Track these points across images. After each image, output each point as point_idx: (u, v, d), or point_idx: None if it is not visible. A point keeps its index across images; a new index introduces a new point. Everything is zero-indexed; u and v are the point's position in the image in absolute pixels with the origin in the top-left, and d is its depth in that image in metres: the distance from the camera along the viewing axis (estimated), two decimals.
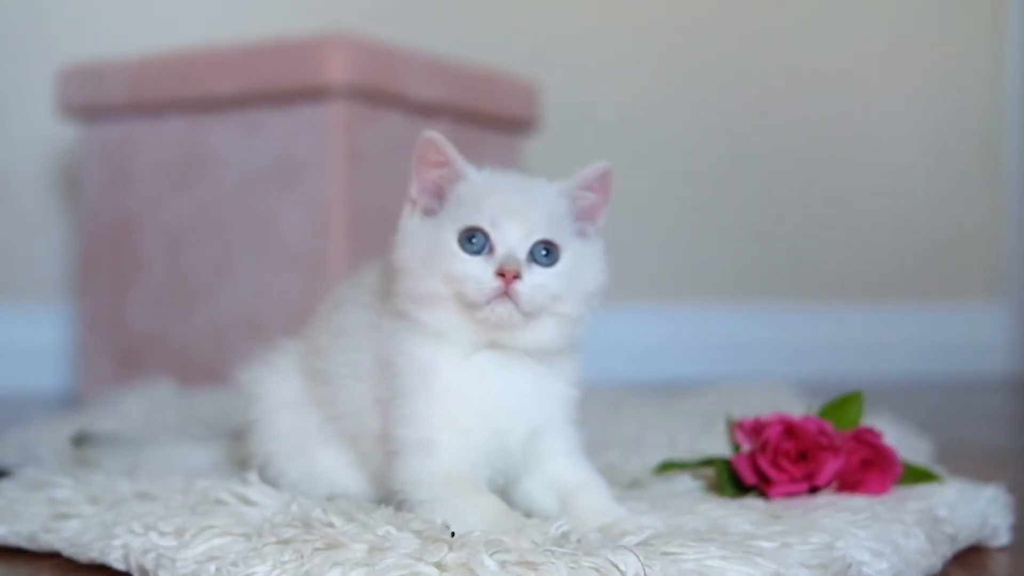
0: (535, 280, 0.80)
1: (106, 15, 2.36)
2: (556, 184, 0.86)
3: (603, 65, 2.67)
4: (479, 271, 0.80)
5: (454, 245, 0.81)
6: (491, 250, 0.80)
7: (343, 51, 1.80)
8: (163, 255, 2.01)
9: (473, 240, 0.81)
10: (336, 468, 0.92)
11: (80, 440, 1.09)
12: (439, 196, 0.84)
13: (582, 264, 0.83)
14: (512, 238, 0.81)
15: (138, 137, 2.03)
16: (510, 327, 0.81)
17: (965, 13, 2.99)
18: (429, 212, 0.84)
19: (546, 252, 0.82)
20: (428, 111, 1.97)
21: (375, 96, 1.87)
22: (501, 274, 0.79)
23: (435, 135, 0.83)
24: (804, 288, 2.84)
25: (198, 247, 1.97)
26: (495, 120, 2.12)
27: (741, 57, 2.79)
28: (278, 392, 0.95)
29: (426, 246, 0.82)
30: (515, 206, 0.82)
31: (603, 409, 1.55)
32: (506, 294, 0.79)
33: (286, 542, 0.73)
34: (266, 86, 1.87)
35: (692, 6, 2.75)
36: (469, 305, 0.80)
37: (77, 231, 2.20)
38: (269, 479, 0.91)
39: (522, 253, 0.81)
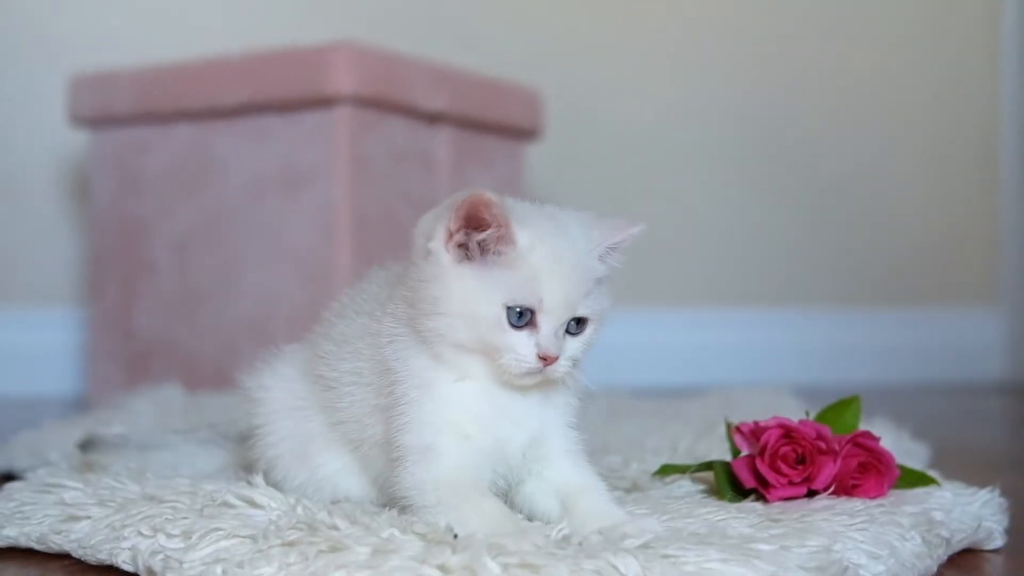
0: (567, 353, 0.83)
1: (116, 25, 2.37)
2: (594, 239, 0.84)
3: (606, 73, 2.68)
4: (523, 349, 0.81)
5: (502, 317, 0.81)
6: (534, 324, 0.81)
7: (348, 60, 1.81)
8: (171, 260, 2.02)
9: (520, 315, 0.81)
10: (339, 472, 0.93)
11: (87, 445, 1.10)
12: (480, 245, 0.82)
13: (602, 316, 0.85)
14: (561, 318, 0.82)
15: (147, 144, 2.05)
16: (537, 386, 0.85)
17: (963, 22, 3.00)
18: (464, 253, 0.82)
19: (577, 322, 0.84)
20: (432, 119, 1.99)
21: (380, 104, 1.88)
22: (542, 357, 0.81)
23: (488, 196, 0.80)
24: (803, 294, 2.85)
25: (205, 253, 1.99)
26: (499, 128, 2.13)
27: (743, 66, 2.80)
28: (282, 398, 0.96)
29: (464, 299, 0.81)
30: (566, 290, 0.81)
31: (604, 413, 1.56)
32: (542, 372, 0.82)
33: (291, 544, 0.74)
34: (272, 94, 1.89)
35: (696, 14, 2.76)
36: (501, 368, 0.82)
37: (86, 237, 2.22)
38: (273, 483, 0.92)
39: (562, 331, 0.82)
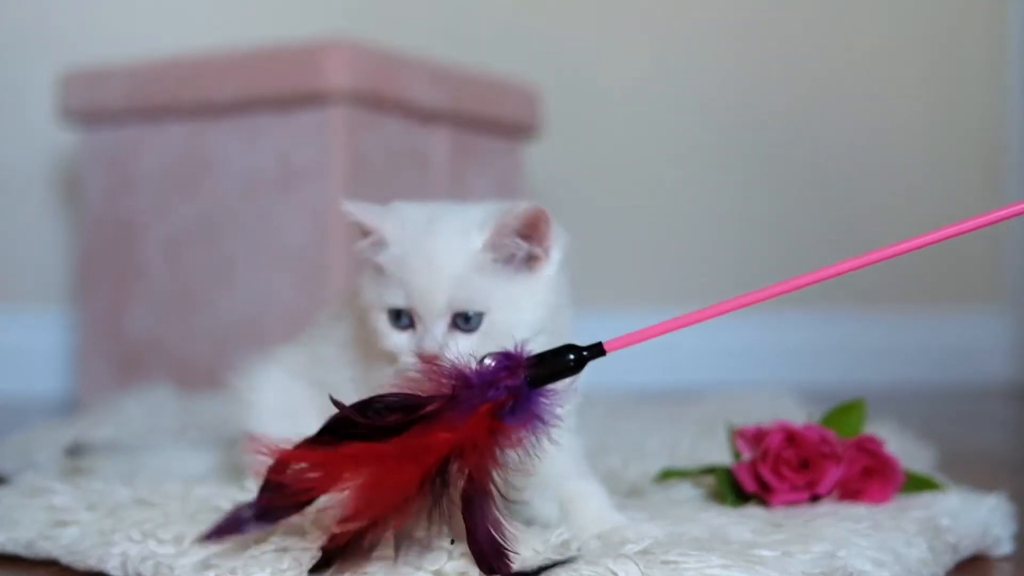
0: (462, 351, 0.80)
1: (107, 20, 2.36)
2: (480, 234, 0.81)
3: (605, 70, 2.68)
4: (405, 348, 0.82)
5: (386, 321, 0.83)
6: (415, 325, 0.82)
7: (344, 57, 1.80)
8: (163, 260, 2.01)
9: (400, 318, 0.83)
10: None
11: (74, 450, 1.09)
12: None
13: (514, 308, 0.82)
14: (428, 316, 0.81)
15: (139, 142, 2.03)
16: None
17: (967, 23, 3.00)
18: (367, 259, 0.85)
19: (467, 318, 0.82)
20: (429, 117, 1.98)
21: (376, 102, 1.87)
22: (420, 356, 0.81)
23: (349, 208, 0.83)
24: (805, 295, 2.83)
25: (198, 252, 1.97)
26: (496, 126, 2.12)
27: (744, 66, 2.79)
28: (274, 399, 0.95)
29: (364, 305, 0.84)
30: (426, 282, 0.80)
31: (603, 416, 1.55)
32: None
33: (284, 550, 0.73)
34: (267, 91, 1.87)
35: (695, 13, 2.75)
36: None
37: (77, 235, 2.20)
38: None
39: (442, 327, 0.81)
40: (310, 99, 1.84)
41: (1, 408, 2.00)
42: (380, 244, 0.83)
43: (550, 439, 0.71)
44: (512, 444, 0.70)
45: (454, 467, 0.68)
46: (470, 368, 0.72)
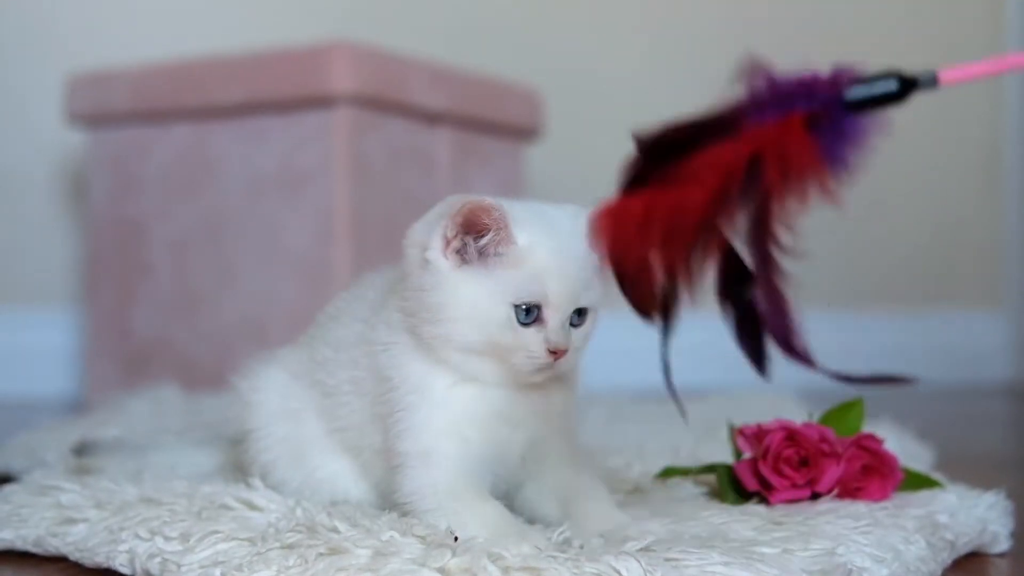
0: (573, 345, 0.83)
1: (113, 23, 2.37)
2: (583, 229, 0.82)
3: (606, 72, 2.68)
4: (533, 345, 0.81)
5: (511, 315, 0.81)
6: (540, 320, 0.81)
7: (347, 59, 1.81)
8: (168, 261, 2.02)
9: (528, 312, 0.81)
10: (336, 475, 0.92)
11: (81, 449, 1.10)
12: (479, 249, 0.81)
13: (599, 305, 0.85)
14: (563, 314, 0.82)
15: (144, 144, 2.04)
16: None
17: (965, 24, 3.00)
18: (461, 257, 0.81)
19: (579, 313, 0.84)
20: (432, 119, 1.98)
21: (379, 104, 1.88)
22: (552, 351, 0.81)
23: (487, 202, 0.80)
24: (804, 296, 2.84)
25: (203, 253, 1.98)
26: (498, 128, 2.13)
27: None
28: (275, 401, 0.95)
29: (470, 302, 0.81)
30: (570, 282, 0.82)
31: (605, 415, 1.55)
32: (552, 367, 0.82)
33: (290, 547, 0.73)
34: (271, 94, 1.88)
35: (696, 14, 2.76)
36: (513, 368, 0.82)
37: (83, 237, 2.21)
38: (271, 487, 0.91)
39: (567, 323, 0.82)
40: (314, 101, 1.84)
41: (9, 408, 2.01)
42: (507, 241, 0.80)
43: (845, 181, 0.62)
44: (814, 171, 0.62)
45: (742, 188, 0.62)
46: (783, 75, 0.64)
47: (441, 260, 0.81)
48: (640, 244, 0.65)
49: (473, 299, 0.81)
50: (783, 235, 0.63)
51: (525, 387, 0.84)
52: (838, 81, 0.64)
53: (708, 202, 0.62)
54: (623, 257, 0.67)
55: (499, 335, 0.81)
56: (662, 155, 0.69)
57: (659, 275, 0.65)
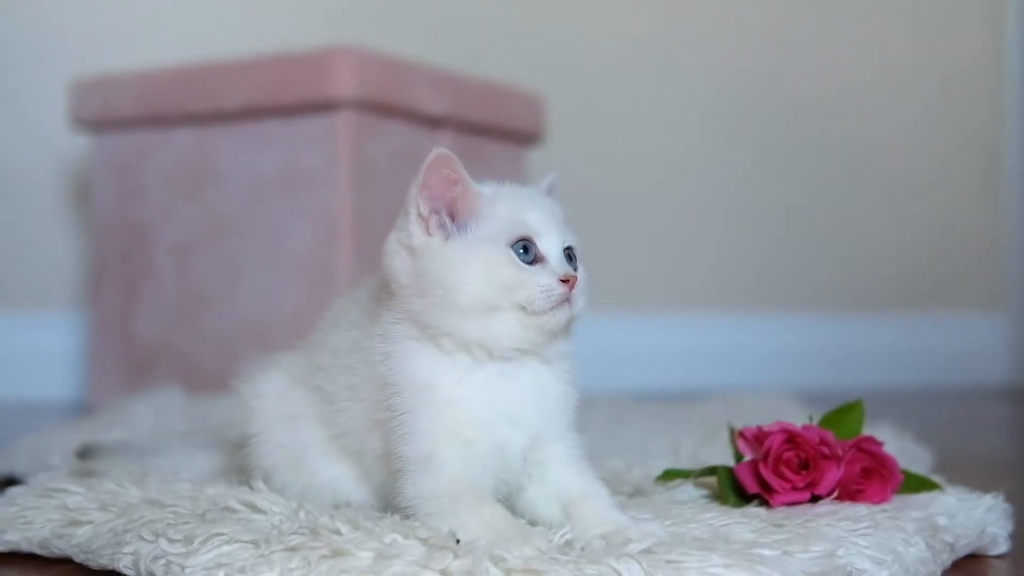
0: (580, 282, 0.85)
1: (117, 29, 2.38)
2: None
3: (607, 76, 2.69)
4: (544, 278, 0.83)
5: (513, 257, 0.83)
6: (540, 259, 0.84)
7: (349, 63, 1.81)
8: (172, 265, 2.02)
9: (526, 249, 0.83)
10: (338, 479, 0.93)
11: (84, 453, 1.10)
12: (452, 215, 0.85)
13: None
14: (556, 247, 0.84)
15: (147, 148, 2.05)
16: (562, 332, 0.85)
17: (965, 29, 3.00)
18: (444, 233, 0.84)
19: (570, 256, 0.86)
20: (434, 123, 1.99)
21: (381, 108, 1.88)
22: (564, 280, 0.83)
23: (447, 153, 0.84)
24: (806, 299, 2.84)
25: (206, 257, 1.99)
26: (500, 132, 2.13)
27: (746, 71, 2.80)
28: (277, 406, 0.95)
29: (472, 262, 0.83)
30: (548, 216, 0.85)
31: (606, 418, 1.56)
32: (567, 300, 0.83)
33: (293, 549, 0.74)
34: (273, 98, 1.89)
35: (697, 19, 2.76)
36: (534, 314, 0.83)
37: (87, 240, 2.22)
38: (274, 491, 0.92)
39: (564, 258, 0.85)
40: (316, 106, 1.85)
41: (13, 411, 2.01)
42: (470, 194, 0.85)
43: None
44: None
45: None
46: None
47: (428, 239, 0.84)
48: None
49: (472, 259, 0.83)
50: None
51: (524, 383, 0.85)
52: None
53: None
54: None
55: (509, 279, 0.82)
56: None
57: None
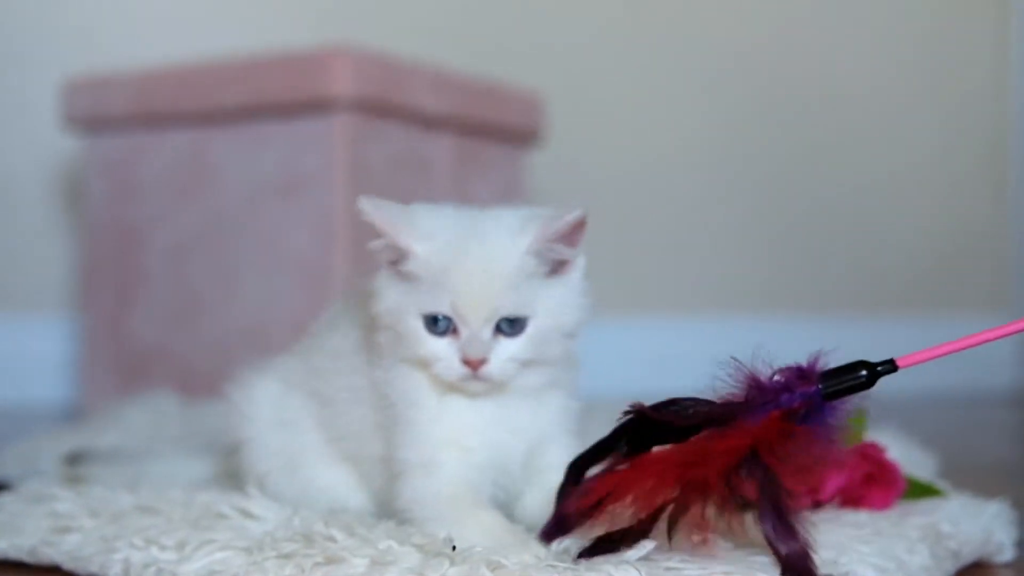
0: (503, 356, 0.80)
1: (110, 27, 2.37)
2: (523, 239, 0.79)
3: (608, 77, 2.68)
4: (445, 355, 0.80)
5: (420, 327, 0.80)
6: (456, 331, 0.80)
7: (347, 64, 1.81)
8: (167, 267, 2.01)
9: (438, 323, 0.80)
10: (334, 485, 0.92)
11: (74, 459, 1.09)
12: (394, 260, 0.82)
13: (554, 313, 0.81)
14: (475, 322, 0.79)
15: (142, 149, 2.04)
16: (490, 392, 0.82)
17: (970, 27, 3.00)
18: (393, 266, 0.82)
19: (511, 322, 0.80)
20: (432, 123, 1.98)
21: (380, 109, 1.87)
22: (466, 361, 0.79)
23: (365, 205, 0.80)
24: (809, 301, 2.84)
25: (202, 259, 1.98)
26: (500, 133, 2.12)
27: (746, 70, 2.80)
28: (269, 411, 0.95)
29: (391, 311, 0.81)
30: (476, 288, 0.78)
31: (606, 423, 1.54)
32: (474, 377, 0.80)
33: (287, 556, 0.73)
34: (270, 99, 1.88)
35: (699, 19, 2.76)
36: (437, 378, 0.81)
37: (81, 243, 2.21)
38: (267, 497, 0.91)
39: (487, 333, 0.79)
40: (313, 106, 1.84)
41: (5, 415, 2.00)
42: (398, 250, 0.80)
43: (836, 451, 0.72)
44: (802, 450, 0.70)
45: (743, 471, 0.69)
46: (765, 375, 0.74)
47: (383, 272, 0.83)
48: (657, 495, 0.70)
49: (392, 308, 0.81)
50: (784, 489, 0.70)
51: (511, 398, 0.83)
52: (812, 376, 0.74)
53: (717, 479, 0.69)
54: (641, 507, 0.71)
55: (415, 346, 0.80)
56: (657, 435, 0.75)
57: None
